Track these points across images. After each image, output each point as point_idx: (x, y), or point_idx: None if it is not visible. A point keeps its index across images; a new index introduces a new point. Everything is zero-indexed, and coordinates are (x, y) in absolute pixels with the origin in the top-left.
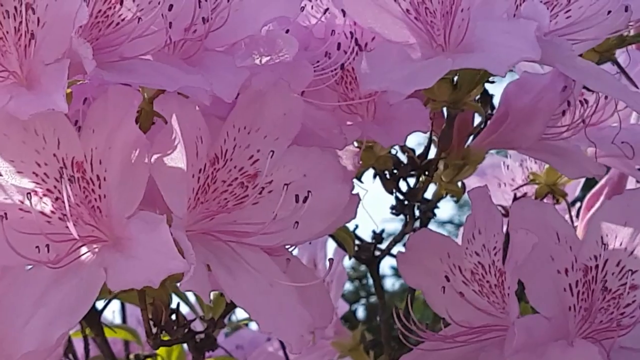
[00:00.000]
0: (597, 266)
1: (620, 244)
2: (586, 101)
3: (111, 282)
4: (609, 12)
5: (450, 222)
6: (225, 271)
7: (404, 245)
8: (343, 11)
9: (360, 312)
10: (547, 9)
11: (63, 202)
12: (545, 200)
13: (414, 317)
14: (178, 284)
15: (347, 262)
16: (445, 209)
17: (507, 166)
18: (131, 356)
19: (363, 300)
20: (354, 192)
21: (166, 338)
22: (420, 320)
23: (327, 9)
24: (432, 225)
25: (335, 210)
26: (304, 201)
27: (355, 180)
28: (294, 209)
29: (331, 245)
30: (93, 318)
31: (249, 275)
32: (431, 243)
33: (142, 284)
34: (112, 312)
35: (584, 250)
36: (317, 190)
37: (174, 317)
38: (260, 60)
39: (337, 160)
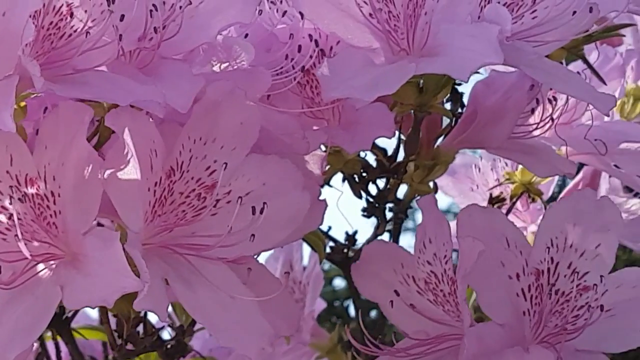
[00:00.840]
0: (548, 269)
1: (571, 246)
2: (555, 99)
3: (67, 301)
4: (574, 12)
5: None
6: (183, 285)
7: (358, 256)
8: (301, 14)
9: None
10: (513, 10)
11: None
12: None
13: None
14: None
15: None
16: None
17: (479, 168)
18: (110, 357)
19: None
20: (323, 196)
21: None
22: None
23: (286, 12)
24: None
25: (296, 218)
26: (261, 212)
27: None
28: (252, 219)
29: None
30: (63, 324)
31: (207, 289)
32: (385, 254)
33: (97, 303)
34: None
35: (535, 254)
36: (277, 198)
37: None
38: (218, 68)
39: (297, 168)
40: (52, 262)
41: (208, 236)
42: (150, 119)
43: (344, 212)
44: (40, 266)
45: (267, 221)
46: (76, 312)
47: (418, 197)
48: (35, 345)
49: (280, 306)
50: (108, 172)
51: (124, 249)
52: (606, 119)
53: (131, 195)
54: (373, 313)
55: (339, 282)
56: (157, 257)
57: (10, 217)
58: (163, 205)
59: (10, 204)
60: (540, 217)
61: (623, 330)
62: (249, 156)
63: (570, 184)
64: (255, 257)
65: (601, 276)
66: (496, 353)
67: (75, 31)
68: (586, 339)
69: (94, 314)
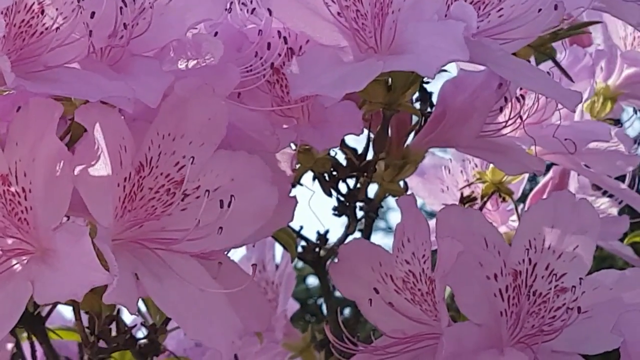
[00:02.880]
0: (526, 270)
1: (549, 247)
2: (523, 97)
3: (38, 296)
4: (540, 9)
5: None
6: (153, 279)
7: (329, 256)
8: (269, 10)
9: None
10: (479, 8)
11: None
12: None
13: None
14: None
15: None
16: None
17: (449, 170)
18: (85, 357)
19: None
20: (294, 194)
21: None
22: None
23: (254, 9)
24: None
25: (264, 213)
26: (229, 206)
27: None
28: (220, 212)
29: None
30: (37, 324)
31: (177, 283)
32: (363, 252)
33: (67, 297)
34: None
35: (513, 254)
36: (245, 193)
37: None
38: (187, 65)
39: (265, 163)
40: (23, 257)
41: (177, 230)
42: (121, 116)
43: (315, 212)
44: (12, 262)
45: (236, 215)
46: (50, 311)
47: (388, 196)
48: (10, 346)
49: (251, 302)
50: (78, 167)
51: (93, 244)
52: (576, 118)
53: (101, 190)
54: (346, 311)
55: (313, 281)
56: (127, 252)
57: None
58: (133, 200)
59: None
60: (510, 218)
61: (600, 332)
62: (218, 152)
63: (540, 183)
64: (226, 253)
65: (579, 278)
66: (472, 353)
67: (46, 28)
68: (563, 340)
69: (69, 314)
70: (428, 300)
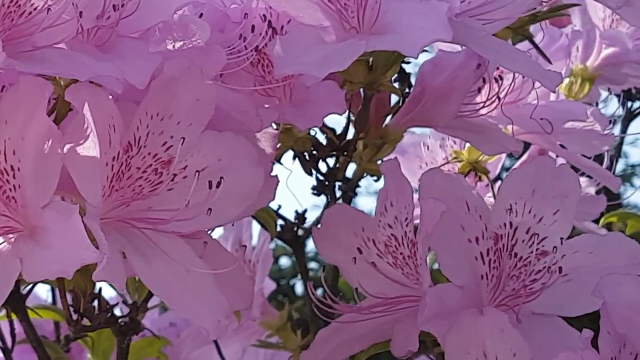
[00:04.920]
0: (507, 234)
1: (529, 212)
2: (501, 78)
3: (26, 273)
4: None
5: None
6: (140, 258)
7: (308, 235)
8: None
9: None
10: None
11: None
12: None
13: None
14: None
15: None
16: None
17: (427, 146)
18: (62, 337)
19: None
20: (273, 173)
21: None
22: None
23: None
24: None
25: (251, 193)
26: (217, 186)
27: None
28: (208, 194)
29: (257, 226)
30: (18, 303)
31: (164, 262)
32: (346, 217)
33: (56, 274)
34: (45, 292)
35: (494, 218)
36: (232, 174)
37: (96, 302)
38: (174, 46)
39: (251, 144)
40: (11, 235)
41: (165, 210)
42: (109, 96)
43: (294, 192)
44: (0, 239)
45: (223, 196)
46: (31, 289)
47: (366, 175)
48: None
49: (234, 280)
50: (67, 146)
51: (83, 222)
52: (552, 98)
53: (90, 169)
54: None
55: (286, 262)
56: (115, 231)
57: None
58: (121, 179)
59: None
60: (487, 194)
61: (579, 295)
62: (205, 132)
63: (517, 163)
64: (209, 232)
65: (560, 240)
66: (453, 314)
67: (35, 9)
68: (543, 303)
69: (44, 294)
70: (410, 264)
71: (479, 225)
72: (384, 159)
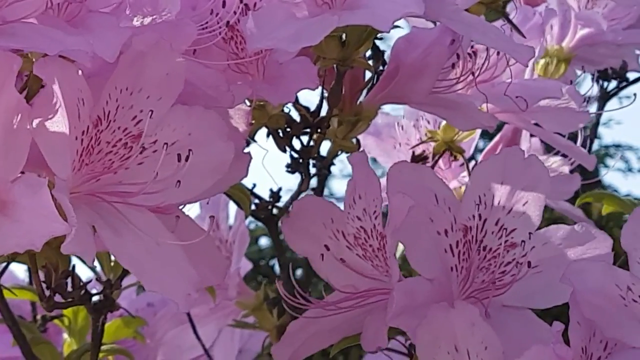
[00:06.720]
0: (476, 226)
1: (499, 203)
2: (475, 53)
3: None
4: None
5: None
6: (111, 232)
7: (282, 214)
8: None
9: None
10: None
11: None
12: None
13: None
14: None
15: None
16: None
17: (402, 126)
18: (38, 317)
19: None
20: (246, 150)
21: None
22: None
23: None
24: None
25: (220, 168)
26: (186, 160)
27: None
28: (177, 166)
29: (234, 206)
30: None
31: (134, 235)
32: (315, 209)
33: (25, 247)
34: (23, 272)
35: (463, 210)
36: (201, 148)
37: (70, 279)
38: (144, 21)
39: (221, 118)
40: None
41: (135, 184)
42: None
43: (268, 170)
44: None
45: (192, 170)
46: (5, 268)
47: (341, 153)
48: None
49: (206, 256)
50: (36, 120)
51: (52, 196)
52: (526, 76)
53: (59, 143)
54: (298, 272)
55: (265, 242)
56: (85, 205)
57: None
58: (90, 154)
59: None
60: (462, 174)
61: (549, 286)
62: (175, 107)
63: (491, 142)
64: (181, 209)
65: (529, 233)
66: (423, 307)
67: None
68: (513, 295)
69: (22, 274)
70: (379, 256)
71: (448, 217)
72: (358, 135)
